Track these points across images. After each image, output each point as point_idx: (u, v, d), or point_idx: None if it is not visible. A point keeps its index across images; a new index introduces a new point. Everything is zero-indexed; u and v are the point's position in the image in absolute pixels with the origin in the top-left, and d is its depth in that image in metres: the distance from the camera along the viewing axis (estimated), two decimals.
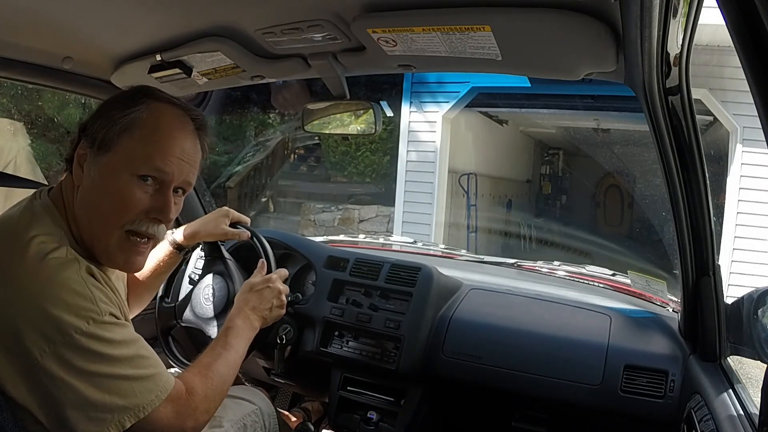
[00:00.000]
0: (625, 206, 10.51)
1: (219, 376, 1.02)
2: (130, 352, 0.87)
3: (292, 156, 8.90)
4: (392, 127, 7.10)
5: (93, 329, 0.82)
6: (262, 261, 1.38)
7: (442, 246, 2.28)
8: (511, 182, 9.80)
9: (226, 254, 1.50)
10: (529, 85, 6.07)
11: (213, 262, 1.51)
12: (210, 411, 0.98)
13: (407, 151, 6.91)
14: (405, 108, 6.86)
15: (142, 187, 0.92)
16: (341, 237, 2.25)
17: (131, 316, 1.35)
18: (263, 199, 8.23)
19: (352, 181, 7.79)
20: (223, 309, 1.45)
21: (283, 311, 1.29)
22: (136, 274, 1.35)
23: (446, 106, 6.72)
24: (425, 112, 6.86)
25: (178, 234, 1.40)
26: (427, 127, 6.83)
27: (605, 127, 7.92)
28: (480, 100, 6.78)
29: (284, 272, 1.35)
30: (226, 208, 1.46)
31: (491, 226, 8.37)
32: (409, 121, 6.90)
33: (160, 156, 0.92)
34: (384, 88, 7.07)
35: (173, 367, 1.54)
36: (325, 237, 2.21)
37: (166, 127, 0.93)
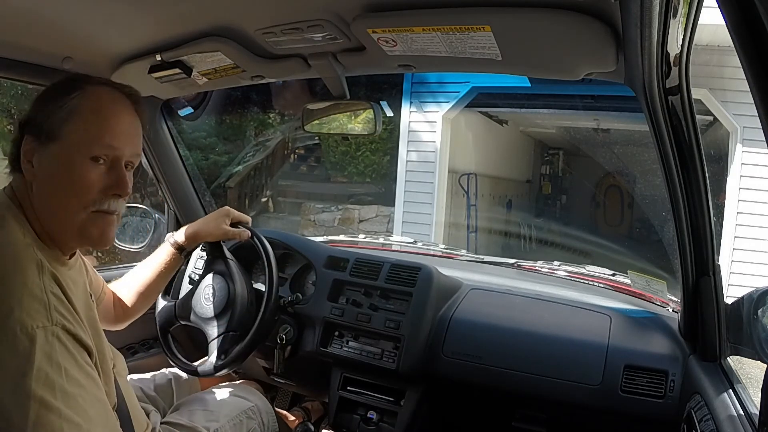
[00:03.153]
0: (625, 206, 10.52)
1: None
2: (70, 389, 0.79)
3: (292, 156, 8.88)
4: (392, 127, 7.11)
5: (39, 334, 0.78)
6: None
7: (442, 246, 2.28)
8: (511, 182, 9.80)
9: (228, 254, 1.50)
10: (529, 85, 6.07)
11: (214, 262, 1.51)
12: None
13: (407, 151, 6.93)
14: (405, 108, 6.88)
15: (96, 168, 0.93)
16: (341, 237, 2.24)
17: (134, 318, 1.36)
18: (263, 199, 8.22)
19: (352, 181, 7.79)
20: (223, 309, 1.45)
21: None
22: (140, 278, 1.36)
23: (446, 106, 6.73)
24: (425, 112, 6.84)
25: (179, 235, 1.40)
26: (427, 127, 6.84)
27: (605, 127, 7.93)
28: (480, 100, 6.76)
29: None
30: (227, 208, 1.47)
31: (491, 226, 8.37)
32: (409, 121, 6.91)
33: (109, 134, 0.94)
34: (384, 88, 7.04)
35: (172, 366, 1.54)
36: (325, 237, 2.20)
37: (107, 106, 0.95)
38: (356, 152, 7.64)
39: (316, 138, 7.83)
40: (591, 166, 9.63)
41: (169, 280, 1.45)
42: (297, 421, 1.88)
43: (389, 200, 7.21)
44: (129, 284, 1.37)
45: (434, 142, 6.82)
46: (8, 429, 0.75)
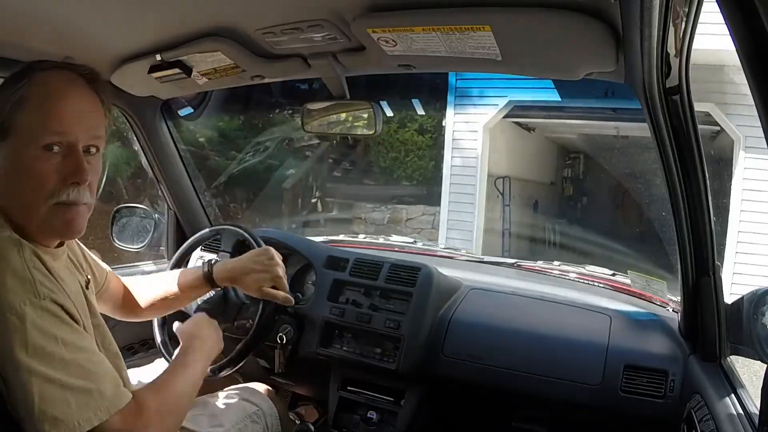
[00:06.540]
0: (642, 208, 10.69)
1: (171, 394, 0.98)
2: (69, 356, 0.80)
3: (344, 160, 9.44)
4: (436, 135, 8.09)
5: (28, 311, 0.78)
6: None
7: (442, 246, 2.28)
8: (537, 184, 10.29)
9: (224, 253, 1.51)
10: (560, 99, 6.83)
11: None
12: (166, 426, 0.94)
13: (452, 156, 7.70)
14: (449, 118, 7.65)
15: (51, 158, 0.88)
16: (341, 237, 2.24)
17: (138, 320, 1.36)
18: (315, 200, 8.80)
19: (400, 184, 8.55)
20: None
21: (221, 345, 1.23)
22: (161, 290, 1.33)
23: (486, 117, 7.46)
24: (468, 122, 7.59)
25: (218, 267, 1.32)
26: (469, 135, 7.62)
27: (624, 134, 8.35)
28: (515, 111, 7.48)
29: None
30: (273, 257, 1.32)
31: (522, 223, 8.95)
32: (453, 130, 7.69)
33: (57, 120, 0.89)
34: (429, 101, 7.91)
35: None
36: (325, 237, 2.20)
37: (55, 90, 0.90)
38: (405, 158, 8.50)
39: (368, 144, 8.62)
40: (610, 169, 9.86)
41: (186, 303, 1.41)
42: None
43: (434, 201, 7.92)
44: (149, 288, 1.34)
45: (476, 149, 7.54)
46: (18, 409, 0.78)
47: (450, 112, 7.61)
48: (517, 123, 8.44)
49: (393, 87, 7.14)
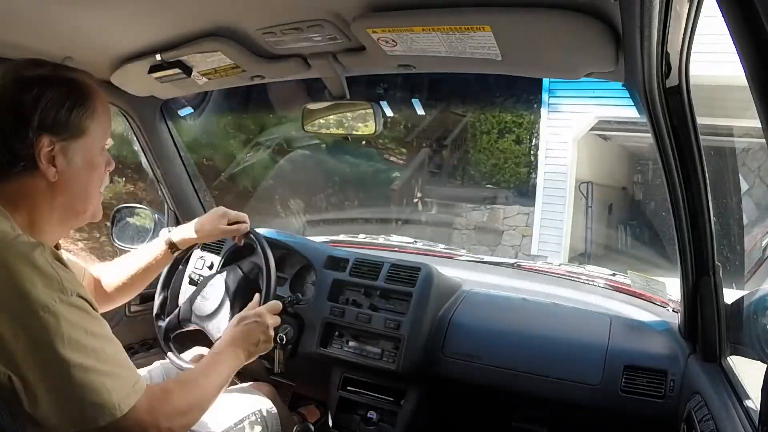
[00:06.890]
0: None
1: (196, 391, 1.03)
2: (99, 345, 0.86)
3: (445, 166, 10.48)
4: (530, 146, 9.45)
5: (60, 309, 0.82)
6: (257, 295, 1.35)
7: (442, 246, 2.28)
8: (611, 189, 10.89)
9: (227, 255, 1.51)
10: (638, 115, 7.08)
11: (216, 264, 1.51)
12: (187, 417, 0.98)
13: (545, 164, 8.76)
14: (543, 130, 8.74)
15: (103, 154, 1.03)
16: (341, 237, 2.24)
17: (110, 308, 1.37)
18: (416, 200, 9.71)
19: (498, 187, 9.78)
20: (219, 306, 1.45)
21: (270, 345, 1.25)
22: (127, 269, 1.37)
23: (575, 131, 8.46)
24: (558, 134, 8.58)
25: (175, 234, 1.40)
26: (560, 146, 8.65)
27: None
28: (599, 125, 8.40)
29: (277, 305, 1.30)
30: (222, 208, 1.47)
31: (599, 223, 9.68)
32: (546, 141, 8.70)
33: (110, 126, 1.04)
34: (524, 116, 9.40)
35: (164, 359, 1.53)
36: (325, 237, 2.20)
37: (107, 102, 1.04)
38: (504, 164, 9.74)
39: (468, 151, 9.99)
40: None
41: (154, 277, 1.44)
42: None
43: (527, 202, 9.09)
44: (114, 273, 1.36)
45: (566, 158, 8.55)
46: (59, 399, 0.82)
47: (543, 125, 8.71)
48: (597, 134, 9.31)
49: (489, 99, 9.20)
